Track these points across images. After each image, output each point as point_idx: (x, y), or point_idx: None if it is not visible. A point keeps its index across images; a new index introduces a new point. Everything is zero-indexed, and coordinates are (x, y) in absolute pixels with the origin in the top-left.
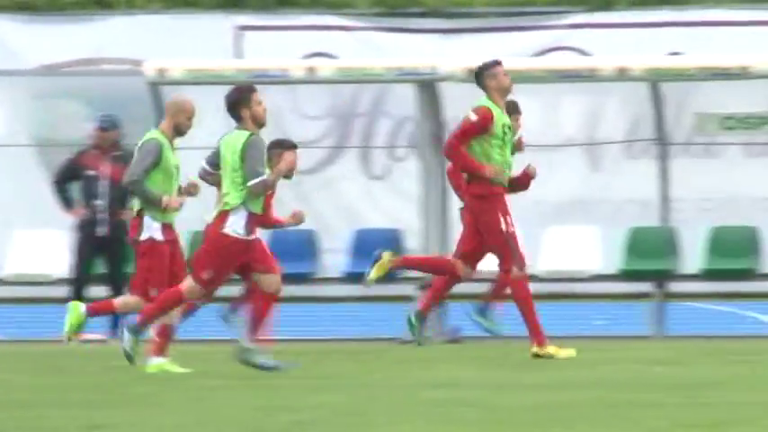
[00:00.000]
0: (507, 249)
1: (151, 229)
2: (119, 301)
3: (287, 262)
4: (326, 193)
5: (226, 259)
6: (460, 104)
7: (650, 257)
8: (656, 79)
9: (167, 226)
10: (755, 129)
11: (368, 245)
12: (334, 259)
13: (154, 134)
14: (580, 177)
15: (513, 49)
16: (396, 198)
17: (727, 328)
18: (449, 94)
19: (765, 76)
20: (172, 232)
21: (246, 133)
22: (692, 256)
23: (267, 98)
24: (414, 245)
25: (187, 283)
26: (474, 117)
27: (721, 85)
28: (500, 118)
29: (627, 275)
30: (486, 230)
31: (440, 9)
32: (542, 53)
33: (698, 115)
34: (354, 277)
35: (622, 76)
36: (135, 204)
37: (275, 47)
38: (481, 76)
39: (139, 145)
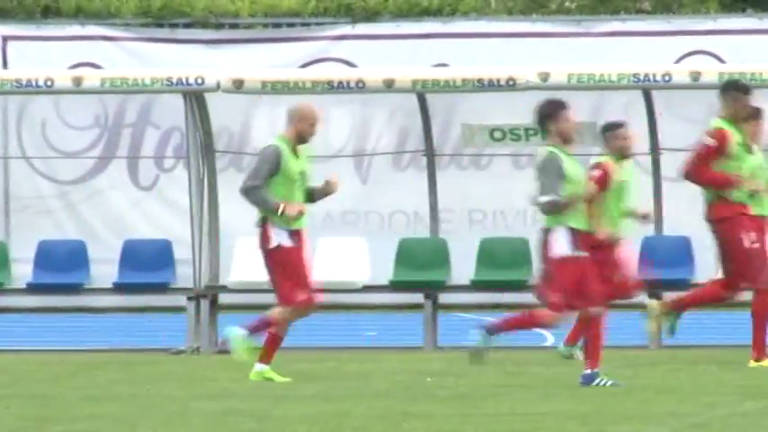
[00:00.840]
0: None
1: (281, 237)
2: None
3: (56, 272)
4: (94, 204)
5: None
6: (227, 114)
7: (420, 268)
8: (422, 91)
9: (295, 232)
10: (522, 140)
11: (137, 255)
12: (104, 269)
13: (275, 141)
14: (349, 189)
15: (279, 59)
16: (164, 208)
17: (499, 338)
18: (216, 104)
19: (532, 87)
20: (300, 239)
21: (547, 150)
22: (462, 268)
23: (32, 109)
24: (183, 255)
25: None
26: (710, 140)
27: (488, 97)
28: (734, 137)
29: (397, 286)
30: (730, 247)
31: (207, 19)
32: (309, 64)
33: (465, 127)
34: (123, 288)
35: (389, 87)
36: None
37: (41, 57)
38: None
39: (259, 152)
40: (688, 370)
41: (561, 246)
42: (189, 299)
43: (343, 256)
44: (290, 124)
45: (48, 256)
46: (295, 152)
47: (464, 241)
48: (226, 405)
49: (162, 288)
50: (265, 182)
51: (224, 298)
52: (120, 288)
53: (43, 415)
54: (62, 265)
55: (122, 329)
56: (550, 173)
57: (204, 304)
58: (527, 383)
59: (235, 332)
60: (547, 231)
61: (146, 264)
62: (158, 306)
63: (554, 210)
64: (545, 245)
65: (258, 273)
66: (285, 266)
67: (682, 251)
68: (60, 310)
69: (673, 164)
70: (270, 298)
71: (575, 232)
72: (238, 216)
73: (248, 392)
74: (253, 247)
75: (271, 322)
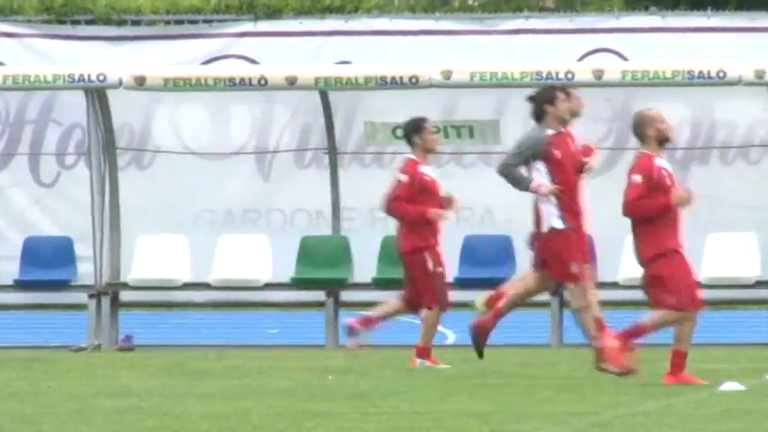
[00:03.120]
0: None
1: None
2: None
3: None
4: None
5: None
6: (129, 111)
7: (322, 266)
8: (325, 88)
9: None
10: None
11: (38, 252)
12: (6, 267)
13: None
14: (251, 186)
15: (182, 57)
16: (66, 205)
17: (400, 337)
18: (118, 101)
19: (435, 85)
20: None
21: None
22: (365, 266)
23: None
24: (84, 252)
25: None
26: None
27: (391, 95)
28: None
29: (299, 284)
30: None
31: (109, 16)
32: (211, 61)
33: (368, 124)
34: (25, 285)
35: (291, 84)
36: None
37: None
38: None
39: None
40: (589, 369)
41: None
42: (90, 296)
43: (245, 254)
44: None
45: None
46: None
47: (366, 239)
48: (127, 402)
49: (63, 285)
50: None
51: (125, 295)
52: (21, 285)
53: None
54: None
55: (24, 327)
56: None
57: (105, 301)
58: (428, 382)
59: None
60: None
61: (47, 261)
62: (60, 303)
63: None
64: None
65: (159, 270)
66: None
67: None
68: None
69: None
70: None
71: None
72: (139, 213)
73: (149, 390)
74: (153, 244)
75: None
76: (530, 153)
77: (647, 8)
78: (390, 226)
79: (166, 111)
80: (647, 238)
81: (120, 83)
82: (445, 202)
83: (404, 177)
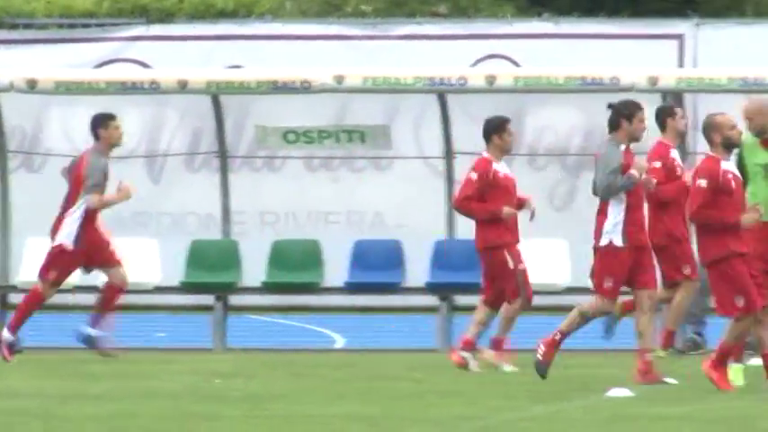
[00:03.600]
0: None
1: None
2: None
3: None
4: None
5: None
6: (21, 114)
7: (211, 270)
8: (216, 92)
9: None
10: (316, 142)
11: None
12: None
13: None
14: (141, 190)
15: (74, 60)
16: None
17: (289, 341)
18: (9, 104)
19: (327, 90)
20: None
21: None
22: (254, 269)
23: None
24: None
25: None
26: None
27: (283, 99)
28: None
29: (188, 288)
30: None
31: (1, 19)
32: (103, 65)
33: (259, 128)
34: None
35: (183, 88)
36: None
37: None
38: None
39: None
40: (476, 373)
41: None
42: None
43: (134, 257)
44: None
45: None
46: None
47: (256, 243)
48: (12, 404)
49: None
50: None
51: (14, 298)
52: None
53: None
54: None
55: None
56: None
57: None
58: (316, 386)
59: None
60: None
61: None
62: None
63: None
64: None
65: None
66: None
67: (474, 255)
68: None
69: (467, 168)
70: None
71: None
72: (30, 216)
73: (36, 392)
74: (43, 246)
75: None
76: (618, 165)
77: (539, 14)
78: (280, 230)
79: (58, 114)
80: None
81: (12, 86)
82: (522, 202)
83: (474, 175)
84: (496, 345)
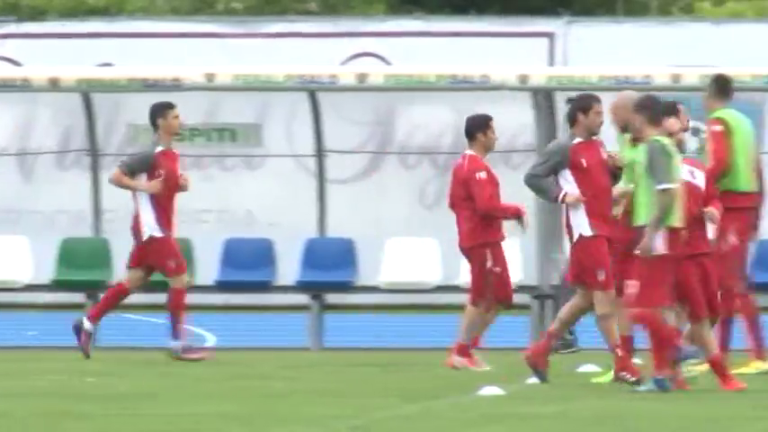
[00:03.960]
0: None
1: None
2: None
3: None
4: None
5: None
6: None
7: (82, 268)
8: (87, 90)
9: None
10: (186, 140)
11: None
12: None
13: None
14: (11, 187)
15: None
16: None
17: (161, 339)
18: None
19: (197, 88)
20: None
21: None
22: (124, 268)
23: None
24: None
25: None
26: None
27: (154, 97)
28: None
29: (59, 286)
30: None
31: None
32: None
33: (130, 127)
34: None
35: (54, 86)
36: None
37: None
38: None
39: None
40: (349, 372)
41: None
42: None
43: (5, 255)
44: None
45: None
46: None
47: (127, 241)
48: None
49: None
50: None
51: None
52: None
53: None
54: None
55: None
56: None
57: None
58: (187, 384)
59: None
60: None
61: None
62: None
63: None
64: None
65: None
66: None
67: (345, 253)
68: None
69: (338, 166)
70: None
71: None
72: None
73: None
74: None
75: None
76: (555, 161)
77: (411, 12)
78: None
79: None
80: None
81: None
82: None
83: (483, 174)
84: (461, 351)
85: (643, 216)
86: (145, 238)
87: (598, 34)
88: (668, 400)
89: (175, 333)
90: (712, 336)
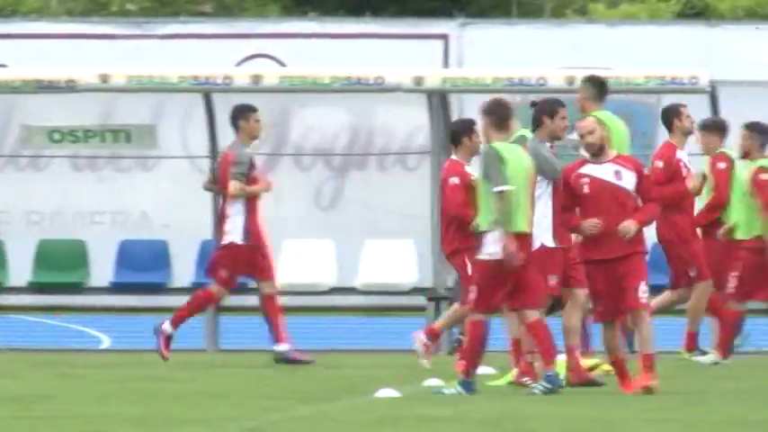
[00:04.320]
0: None
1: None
2: None
3: None
4: None
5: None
6: None
7: None
8: None
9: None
10: (81, 142)
11: None
12: None
13: None
14: None
15: None
16: None
17: (55, 341)
18: None
19: (92, 89)
20: None
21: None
22: (20, 269)
23: None
24: None
25: None
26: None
27: (48, 98)
28: None
29: None
30: None
31: None
32: None
33: (24, 128)
34: None
35: None
36: None
37: None
38: None
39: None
40: (244, 374)
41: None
42: None
43: None
44: None
45: None
46: None
47: (22, 243)
48: None
49: None
50: None
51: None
52: None
53: None
54: None
55: None
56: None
57: None
58: (82, 386)
59: None
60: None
61: None
62: None
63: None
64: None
65: None
66: None
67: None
68: None
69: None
70: None
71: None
72: None
73: None
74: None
75: None
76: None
77: (305, 13)
78: (46, 230)
79: None
80: None
81: None
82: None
83: (456, 180)
84: (432, 334)
85: (484, 222)
86: (240, 242)
87: (492, 36)
88: (566, 403)
89: (276, 336)
90: (618, 338)
